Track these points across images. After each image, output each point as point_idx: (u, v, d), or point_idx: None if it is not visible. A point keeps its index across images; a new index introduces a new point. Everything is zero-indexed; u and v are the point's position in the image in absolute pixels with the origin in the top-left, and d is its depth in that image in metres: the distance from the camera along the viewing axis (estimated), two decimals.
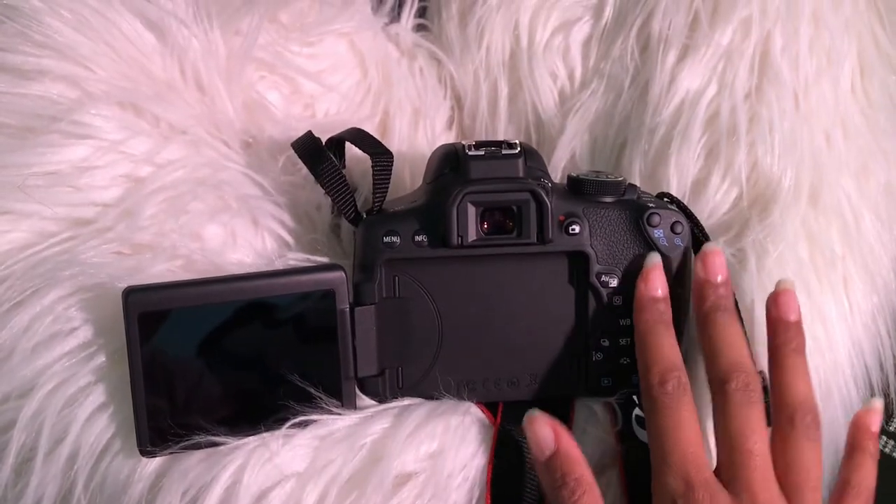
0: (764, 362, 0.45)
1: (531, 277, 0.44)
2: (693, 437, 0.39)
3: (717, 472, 0.40)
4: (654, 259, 0.43)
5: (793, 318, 0.42)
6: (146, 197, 0.43)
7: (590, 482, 0.39)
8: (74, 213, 0.43)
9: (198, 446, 0.41)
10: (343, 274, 0.42)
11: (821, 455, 0.41)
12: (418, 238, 0.43)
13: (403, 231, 0.43)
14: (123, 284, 0.40)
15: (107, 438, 0.41)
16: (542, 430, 0.40)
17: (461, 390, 0.45)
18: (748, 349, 0.42)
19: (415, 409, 0.44)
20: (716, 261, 0.43)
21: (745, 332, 0.43)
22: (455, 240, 0.42)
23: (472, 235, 0.42)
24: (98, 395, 0.41)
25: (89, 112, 0.44)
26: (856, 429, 0.43)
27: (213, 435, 0.41)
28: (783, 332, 0.42)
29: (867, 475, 0.42)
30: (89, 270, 0.41)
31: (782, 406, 0.41)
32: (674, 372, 0.40)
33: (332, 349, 0.42)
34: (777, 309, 0.43)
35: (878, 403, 0.43)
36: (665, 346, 0.41)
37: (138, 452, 0.40)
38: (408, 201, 0.45)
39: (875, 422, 0.43)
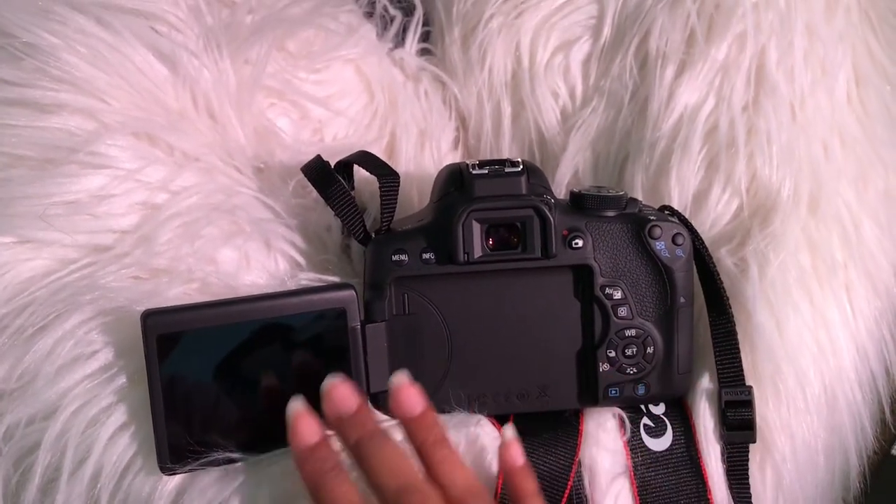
0: (760, 370, 0.46)
1: (537, 291, 0.45)
2: None
3: None
4: (296, 406, 0.39)
5: (418, 411, 0.40)
6: (162, 223, 0.45)
7: None
8: (93, 240, 0.44)
9: (216, 463, 0.42)
10: (354, 293, 0.43)
11: None
12: (426, 256, 0.44)
13: (411, 249, 0.44)
14: (142, 308, 0.41)
15: (128, 457, 0.42)
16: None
17: (472, 404, 0.46)
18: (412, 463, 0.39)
19: None
20: (342, 394, 0.39)
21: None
22: (461, 256, 0.43)
23: (477, 252, 0.44)
24: (119, 416, 0.42)
25: (106, 143, 0.45)
26: (509, 476, 0.41)
27: (231, 452, 0.42)
28: (417, 429, 0.40)
29: None
30: (109, 295, 0.43)
31: (453, 499, 0.38)
32: None
33: (344, 366, 0.43)
34: (401, 409, 0.40)
35: (510, 431, 0.42)
36: (339, 496, 0.38)
37: (159, 470, 0.41)
38: (415, 220, 0.46)
39: (518, 454, 0.41)
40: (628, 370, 0.45)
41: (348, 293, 0.43)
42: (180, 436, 0.41)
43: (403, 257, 0.44)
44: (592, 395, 0.46)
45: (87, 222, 0.44)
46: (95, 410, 0.42)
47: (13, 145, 0.44)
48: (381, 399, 0.45)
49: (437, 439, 0.40)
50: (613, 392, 0.45)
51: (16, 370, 0.42)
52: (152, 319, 0.41)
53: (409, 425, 0.40)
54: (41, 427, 0.42)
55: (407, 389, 0.40)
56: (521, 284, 0.45)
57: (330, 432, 0.40)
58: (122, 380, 0.42)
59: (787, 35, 0.52)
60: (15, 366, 0.42)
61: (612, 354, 0.45)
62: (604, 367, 0.45)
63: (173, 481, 0.42)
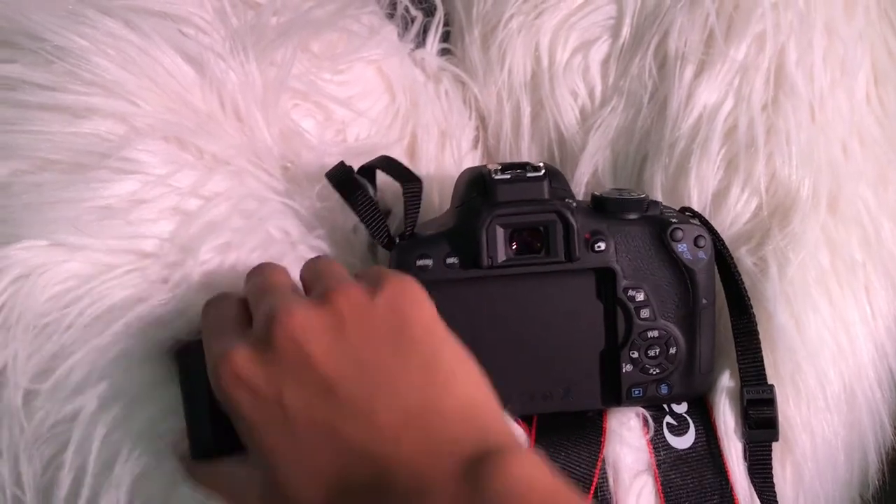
0: (780, 369, 0.47)
1: (560, 294, 0.46)
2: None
3: None
4: None
5: None
6: (194, 229, 0.45)
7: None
8: (126, 245, 0.44)
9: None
10: None
11: None
12: (450, 260, 0.44)
13: (435, 254, 0.44)
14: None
15: (156, 459, 0.43)
16: None
17: None
18: None
19: None
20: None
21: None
22: (485, 261, 0.44)
23: (501, 256, 0.44)
24: (149, 419, 0.43)
25: (136, 148, 0.46)
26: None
27: None
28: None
29: None
30: (143, 300, 0.44)
31: None
32: None
33: None
34: None
35: None
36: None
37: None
38: (438, 225, 0.46)
39: None
40: (651, 370, 0.46)
41: None
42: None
43: (428, 262, 0.44)
44: (616, 395, 0.47)
45: (121, 228, 0.45)
46: (126, 412, 0.43)
47: (46, 150, 0.45)
48: None
49: None
50: (637, 392, 0.46)
51: (51, 370, 0.43)
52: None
53: None
54: (71, 427, 0.43)
55: None
56: (544, 287, 0.45)
57: None
58: (153, 384, 0.43)
59: (806, 35, 0.52)
60: (50, 365, 0.43)
61: (636, 355, 0.46)
62: (627, 367, 0.46)
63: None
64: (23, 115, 0.45)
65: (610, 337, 0.46)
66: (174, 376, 0.43)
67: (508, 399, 0.46)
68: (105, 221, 0.45)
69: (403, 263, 0.45)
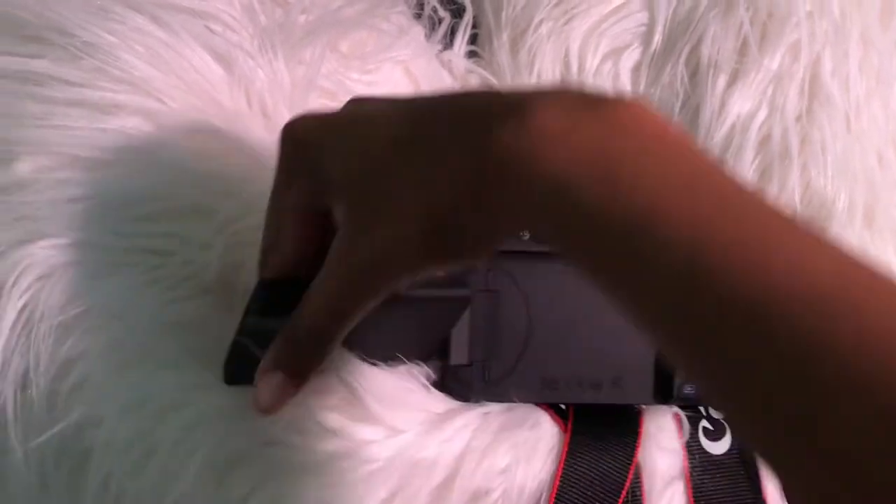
0: None
1: None
2: None
3: None
4: None
5: None
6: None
7: None
8: (151, 245, 0.44)
9: None
10: None
11: None
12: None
13: None
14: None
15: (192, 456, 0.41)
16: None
17: (543, 389, 0.45)
18: None
19: (485, 426, 0.44)
20: None
21: None
22: None
23: None
24: (186, 417, 0.42)
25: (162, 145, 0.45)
26: None
27: None
28: None
29: None
30: (170, 298, 0.42)
31: None
32: None
33: None
34: None
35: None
36: None
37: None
38: None
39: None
40: None
41: None
42: None
43: None
44: (667, 391, 0.45)
45: (146, 227, 0.44)
46: (154, 417, 0.42)
47: (71, 146, 0.44)
48: (460, 373, 0.44)
49: None
50: (688, 390, 0.45)
51: (74, 371, 0.42)
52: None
53: None
54: (97, 430, 0.42)
55: None
56: None
57: None
58: (182, 389, 0.42)
59: (841, 44, 0.52)
60: (72, 367, 0.42)
61: None
62: None
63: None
64: (50, 110, 0.44)
65: None
66: (202, 382, 0.42)
67: (555, 384, 0.45)
68: (130, 221, 0.44)
69: None
